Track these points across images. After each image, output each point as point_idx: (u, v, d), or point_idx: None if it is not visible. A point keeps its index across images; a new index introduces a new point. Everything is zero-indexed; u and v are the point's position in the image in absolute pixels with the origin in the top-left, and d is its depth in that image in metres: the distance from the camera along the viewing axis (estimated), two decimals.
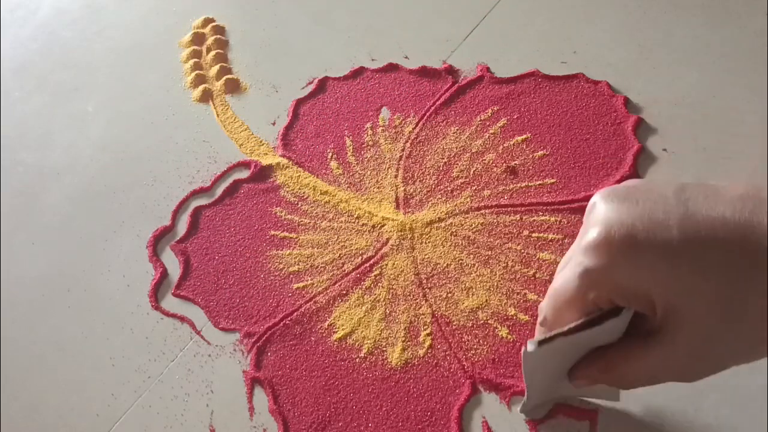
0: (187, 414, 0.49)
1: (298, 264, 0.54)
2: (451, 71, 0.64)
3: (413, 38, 0.68)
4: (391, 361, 0.48)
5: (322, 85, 0.66)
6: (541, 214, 0.53)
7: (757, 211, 0.26)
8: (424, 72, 0.64)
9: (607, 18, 0.64)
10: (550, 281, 0.49)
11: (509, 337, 0.48)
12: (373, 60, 0.67)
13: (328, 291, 0.52)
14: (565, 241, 0.51)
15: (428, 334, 0.49)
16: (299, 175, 0.60)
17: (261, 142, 0.63)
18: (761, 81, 0.56)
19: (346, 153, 0.61)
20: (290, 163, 0.61)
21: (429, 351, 0.48)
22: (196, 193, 0.60)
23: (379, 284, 0.52)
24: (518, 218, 0.53)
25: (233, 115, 0.66)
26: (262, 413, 0.48)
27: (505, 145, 0.58)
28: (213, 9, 0.77)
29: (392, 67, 0.66)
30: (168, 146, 0.65)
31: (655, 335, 0.30)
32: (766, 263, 0.25)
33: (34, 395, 0.52)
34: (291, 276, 0.54)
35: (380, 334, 0.50)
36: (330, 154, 0.61)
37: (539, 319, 0.34)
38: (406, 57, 0.67)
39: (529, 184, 0.55)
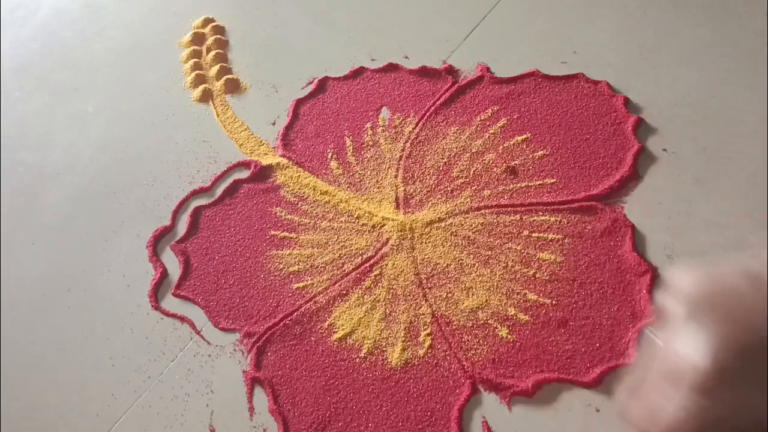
0: (187, 414, 0.49)
1: (298, 264, 0.54)
2: (451, 71, 0.64)
3: (413, 38, 0.68)
4: (391, 361, 0.48)
5: (322, 85, 0.66)
6: (541, 214, 0.53)
7: None
8: (424, 72, 0.64)
9: (607, 18, 0.64)
10: (550, 281, 0.49)
11: (509, 337, 0.48)
12: (373, 60, 0.67)
13: (328, 291, 0.52)
14: (565, 241, 0.51)
15: (428, 334, 0.49)
16: (299, 175, 0.60)
17: (261, 142, 0.63)
18: (761, 81, 0.56)
19: (346, 153, 0.61)
20: (290, 163, 0.61)
21: (429, 351, 0.48)
22: (196, 193, 0.60)
23: (379, 284, 0.52)
24: (518, 218, 0.53)
25: (233, 115, 0.66)
26: (262, 413, 0.48)
27: (505, 145, 0.58)
28: (213, 9, 0.77)
29: (392, 67, 0.66)
30: (168, 146, 0.65)
31: None
32: None
33: (34, 395, 0.52)
34: (291, 276, 0.54)
35: (380, 334, 0.50)
36: (330, 154, 0.61)
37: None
38: (406, 57, 0.67)
39: (529, 184, 0.55)
